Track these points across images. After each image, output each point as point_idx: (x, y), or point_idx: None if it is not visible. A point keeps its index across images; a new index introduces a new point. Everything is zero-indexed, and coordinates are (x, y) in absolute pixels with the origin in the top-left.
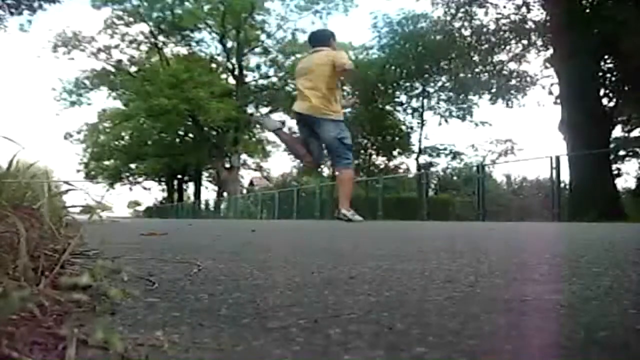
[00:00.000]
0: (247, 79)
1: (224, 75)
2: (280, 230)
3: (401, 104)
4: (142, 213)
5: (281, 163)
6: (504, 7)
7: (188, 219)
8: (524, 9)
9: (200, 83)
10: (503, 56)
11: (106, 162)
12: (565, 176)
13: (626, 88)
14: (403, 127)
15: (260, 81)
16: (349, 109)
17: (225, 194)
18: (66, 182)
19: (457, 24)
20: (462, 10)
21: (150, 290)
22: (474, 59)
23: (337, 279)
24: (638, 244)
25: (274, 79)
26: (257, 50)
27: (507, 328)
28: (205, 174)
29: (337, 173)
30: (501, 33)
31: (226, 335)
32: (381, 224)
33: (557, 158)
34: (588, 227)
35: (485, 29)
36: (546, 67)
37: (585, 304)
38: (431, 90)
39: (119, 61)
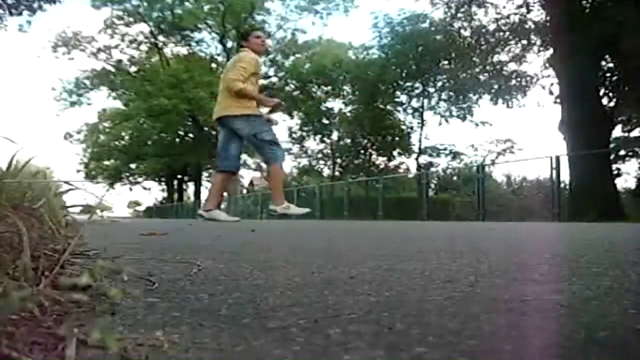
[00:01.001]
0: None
1: None
2: (280, 230)
3: (401, 104)
4: (142, 213)
5: None
6: (504, 7)
7: (188, 219)
8: (523, 9)
9: (200, 83)
10: (503, 56)
11: (106, 162)
12: (565, 176)
13: (626, 88)
14: (403, 127)
15: (260, 81)
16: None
17: (225, 194)
18: (66, 182)
19: (457, 24)
20: (462, 10)
21: (150, 290)
22: (474, 59)
23: (337, 279)
24: (638, 244)
25: (274, 79)
26: None
27: (507, 328)
28: (205, 174)
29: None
30: (501, 33)
31: (226, 335)
32: (381, 224)
33: (557, 158)
34: (588, 227)
35: (485, 29)
36: (546, 67)
37: (585, 304)
38: (431, 90)
39: (119, 61)
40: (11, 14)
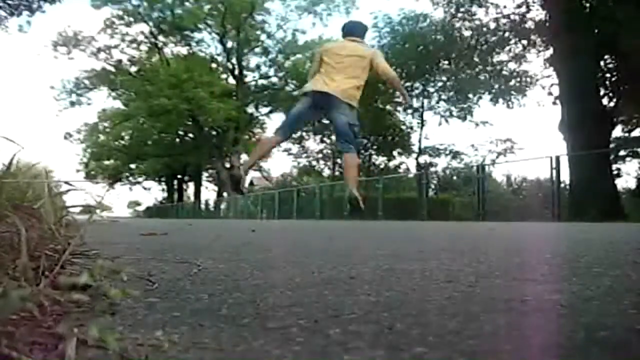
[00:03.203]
0: (247, 79)
1: (224, 75)
2: (280, 230)
3: (401, 104)
4: (142, 213)
5: (281, 163)
6: (504, 6)
7: (188, 219)
8: (523, 9)
9: (200, 83)
10: (503, 56)
11: (106, 162)
12: (565, 176)
13: (626, 88)
14: (403, 127)
15: (260, 81)
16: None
17: (225, 194)
18: (66, 182)
19: (457, 24)
20: (462, 10)
21: (150, 290)
22: (474, 59)
23: (337, 279)
24: (638, 244)
25: (274, 79)
26: (257, 50)
27: (507, 328)
28: (205, 174)
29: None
30: (501, 33)
31: (226, 335)
32: (381, 224)
33: (557, 158)
34: (588, 227)
35: (485, 29)
36: (546, 67)
37: (585, 304)
38: (431, 90)
39: (119, 61)
40: (11, 14)
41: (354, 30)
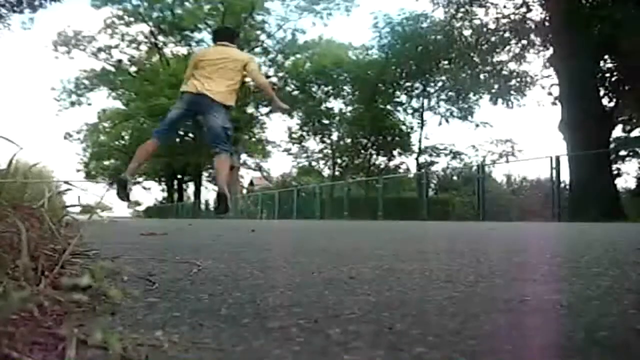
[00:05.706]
0: (247, 79)
1: None
2: (280, 230)
3: (401, 104)
4: (142, 213)
5: (281, 163)
6: (504, 7)
7: (188, 219)
8: (523, 9)
9: None
10: (503, 56)
11: (106, 162)
12: (565, 176)
13: (626, 88)
14: (403, 127)
15: None
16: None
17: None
18: (66, 182)
19: (457, 24)
20: (462, 10)
21: (150, 290)
22: (474, 59)
23: (337, 279)
24: (638, 244)
25: (274, 79)
26: (257, 50)
27: (507, 328)
28: (205, 174)
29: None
30: (501, 33)
31: (226, 335)
32: (381, 224)
33: (557, 158)
34: (588, 227)
35: (485, 29)
36: (546, 67)
37: (585, 304)
38: (431, 90)
39: (119, 61)
40: (13, 11)
41: (224, 35)
